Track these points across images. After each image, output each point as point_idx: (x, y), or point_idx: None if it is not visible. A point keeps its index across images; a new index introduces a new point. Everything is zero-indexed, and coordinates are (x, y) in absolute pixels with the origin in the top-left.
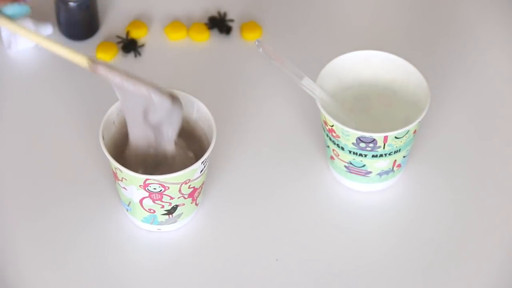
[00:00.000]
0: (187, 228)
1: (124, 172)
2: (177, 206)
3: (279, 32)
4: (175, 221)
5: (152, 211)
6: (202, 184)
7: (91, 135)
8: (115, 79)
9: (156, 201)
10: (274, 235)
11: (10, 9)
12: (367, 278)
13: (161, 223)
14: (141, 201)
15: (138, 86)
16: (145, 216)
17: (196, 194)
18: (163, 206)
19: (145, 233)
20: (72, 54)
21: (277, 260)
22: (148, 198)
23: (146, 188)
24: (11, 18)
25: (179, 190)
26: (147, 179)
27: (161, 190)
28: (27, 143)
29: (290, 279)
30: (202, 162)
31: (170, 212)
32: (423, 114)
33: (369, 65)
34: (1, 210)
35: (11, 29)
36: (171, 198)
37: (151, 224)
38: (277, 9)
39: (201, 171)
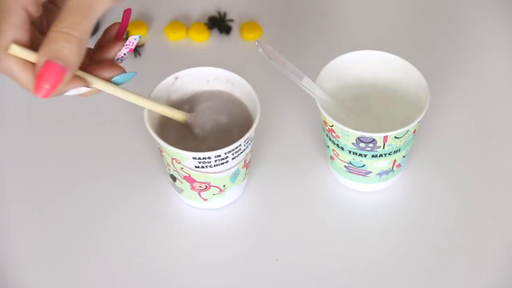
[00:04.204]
0: (185, 226)
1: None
2: (174, 177)
3: (279, 32)
4: (179, 192)
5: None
6: (206, 182)
7: (92, 135)
8: None
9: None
10: (274, 235)
11: (122, 77)
12: (367, 278)
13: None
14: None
15: None
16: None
17: (195, 184)
18: (168, 167)
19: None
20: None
21: (277, 260)
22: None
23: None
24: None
25: (172, 163)
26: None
27: (159, 148)
28: (27, 143)
29: (290, 279)
30: (195, 158)
31: (172, 177)
32: (423, 114)
33: (369, 65)
34: (1, 209)
35: (118, 95)
36: (168, 164)
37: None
38: (277, 9)
39: (196, 167)
